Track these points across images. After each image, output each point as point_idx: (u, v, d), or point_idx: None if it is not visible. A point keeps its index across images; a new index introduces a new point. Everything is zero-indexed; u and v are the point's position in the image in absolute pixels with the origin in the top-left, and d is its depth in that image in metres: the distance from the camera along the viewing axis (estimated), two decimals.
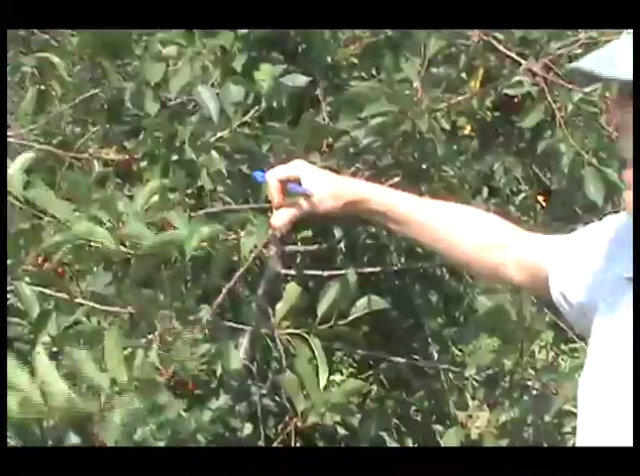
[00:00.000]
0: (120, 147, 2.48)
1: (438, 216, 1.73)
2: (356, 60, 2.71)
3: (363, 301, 2.20)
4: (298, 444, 2.22)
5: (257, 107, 2.40)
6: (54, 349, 1.92)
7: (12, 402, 1.57)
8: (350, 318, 2.17)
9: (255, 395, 2.56)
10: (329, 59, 2.67)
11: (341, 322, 2.16)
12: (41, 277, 1.98)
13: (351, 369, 3.26)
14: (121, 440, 1.65)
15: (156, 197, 2.00)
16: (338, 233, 2.77)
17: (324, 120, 2.52)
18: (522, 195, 3.14)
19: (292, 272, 2.56)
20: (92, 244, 1.85)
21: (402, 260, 2.95)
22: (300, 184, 1.71)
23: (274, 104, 2.47)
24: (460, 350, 3.08)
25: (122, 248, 1.86)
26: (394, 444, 2.96)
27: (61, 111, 2.54)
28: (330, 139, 2.49)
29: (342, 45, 2.67)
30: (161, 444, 2.12)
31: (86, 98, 2.50)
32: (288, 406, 2.15)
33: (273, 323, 2.16)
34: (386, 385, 3.07)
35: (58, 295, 2.00)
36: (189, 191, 2.43)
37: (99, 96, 2.52)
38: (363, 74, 2.71)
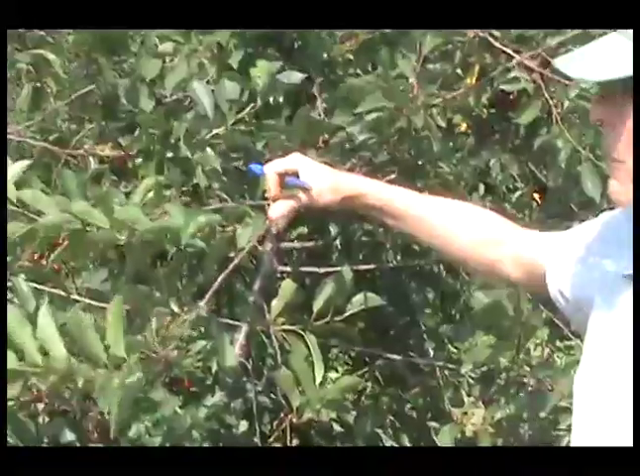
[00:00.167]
0: (115, 143, 2.48)
1: (435, 212, 1.73)
2: (352, 57, 2.70)
3: (358, 298, 2.19)
4: (294, 441, 2.22)
5: (252, 104, 2.40)
6: None
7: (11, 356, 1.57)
8: (345, 315, 2.17)
9: (250, 391, 2.56)
10: (325, 55, 2.66)
11: (336, 319, 2.15)
12: (36, 273, 1.97)
13: (346, 366, 3.26)
14: (119, 411, 1.62)
15: (151, 194, 1.99)
16: (334, 230, 2.77)
17: (320, 116, 2.52)
18: (518, 193, 3.14)
19: (288, 268, 2.56)
20: (88, 228, 1.84)
21: (398, 257, 2.94)
22: (298, 178, 1.70)
23: (270, 101, 2.46)
24: (455, 347, 3.08)
25: (117, 235, 1.85)
26: (390, 441, 2.97)
27: (57, 108, 2.53)
28: (326, 135, 2.48)
29: (338, 41, 2.66)
30: (157, 441, 2.12)
31: (82, 95, 2.50)
32: (284, 402, 2.15)
33: (269, 320, 2.16)
34: (382, 381, 3.07)
35: (54, 291, 2.00)
36: (185, 189, 2.43)
37: (94, 93, 2.51)
38: (358, 71, 2.70)
